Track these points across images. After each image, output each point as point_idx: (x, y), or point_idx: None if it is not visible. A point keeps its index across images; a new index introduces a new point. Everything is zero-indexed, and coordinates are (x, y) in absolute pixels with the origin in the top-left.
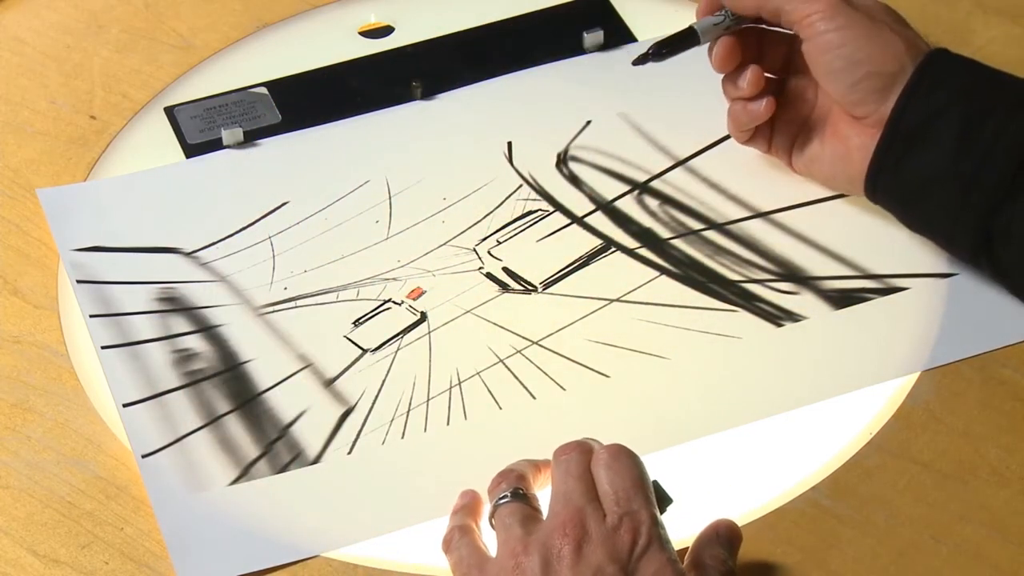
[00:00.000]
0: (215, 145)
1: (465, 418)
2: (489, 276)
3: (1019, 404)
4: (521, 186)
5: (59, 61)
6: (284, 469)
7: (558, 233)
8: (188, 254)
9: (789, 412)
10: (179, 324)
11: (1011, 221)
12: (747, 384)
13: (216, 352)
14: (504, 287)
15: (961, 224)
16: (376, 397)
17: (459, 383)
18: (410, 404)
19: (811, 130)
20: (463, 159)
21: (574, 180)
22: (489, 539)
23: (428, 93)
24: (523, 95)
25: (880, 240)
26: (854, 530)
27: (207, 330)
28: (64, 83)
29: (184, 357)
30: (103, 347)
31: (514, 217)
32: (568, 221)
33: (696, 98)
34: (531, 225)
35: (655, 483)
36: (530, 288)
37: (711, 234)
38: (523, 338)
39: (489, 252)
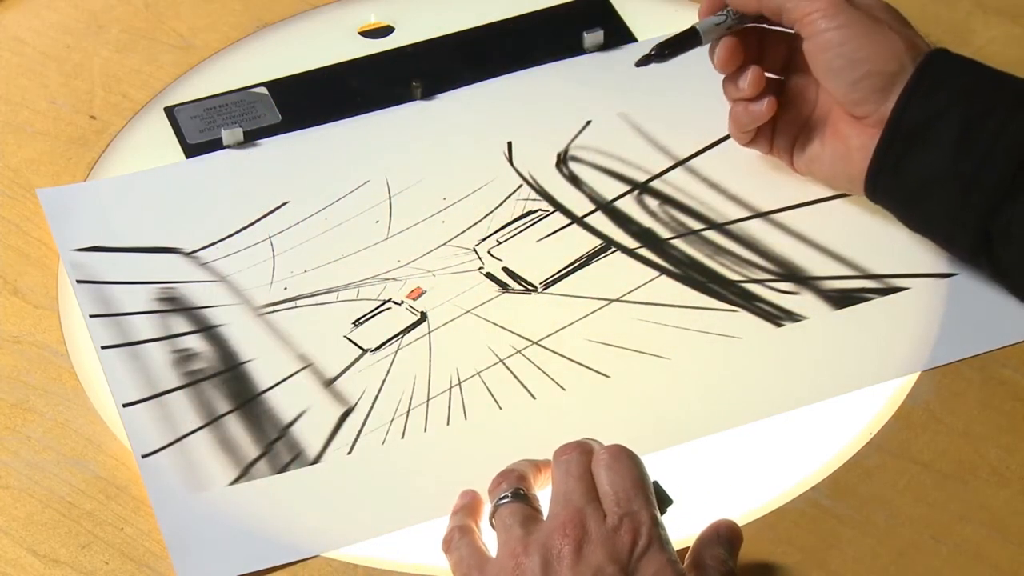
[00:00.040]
0: (215, 145)
1: (465, 418)
2: (489, 276)
3: (1019, 404)
4: (521, 186)
5: (59, 61)
6: (284, 469)
7: (558, 233)
8: (188, 254)
9: (789, 412)
10: (179, 324)
11: (1011, 221)
12: (747, 384)
13: (216, 352)
14: (504, 287)
15: (961, 224)
16: (376, 397)
17: (459, 383)
18: (410, 404)
19: (812, 130)
20: (463, 159)
21: (574, 180)
22: (489, 539)
23: (428, 93)
24: (523, 95)
25: (880, 240)
26: (854, 530)
27: (207, 330)
28: (64, 83)
29: (184, 357)
30: (103, 347)
31: (514, 217)
32: (568, 221)
33: (696, 98)
34: (531, 225)
35: (655, 484)
36: (530, 288)
37: (711, 234)
38: (523, 338)
39: (489, 252)
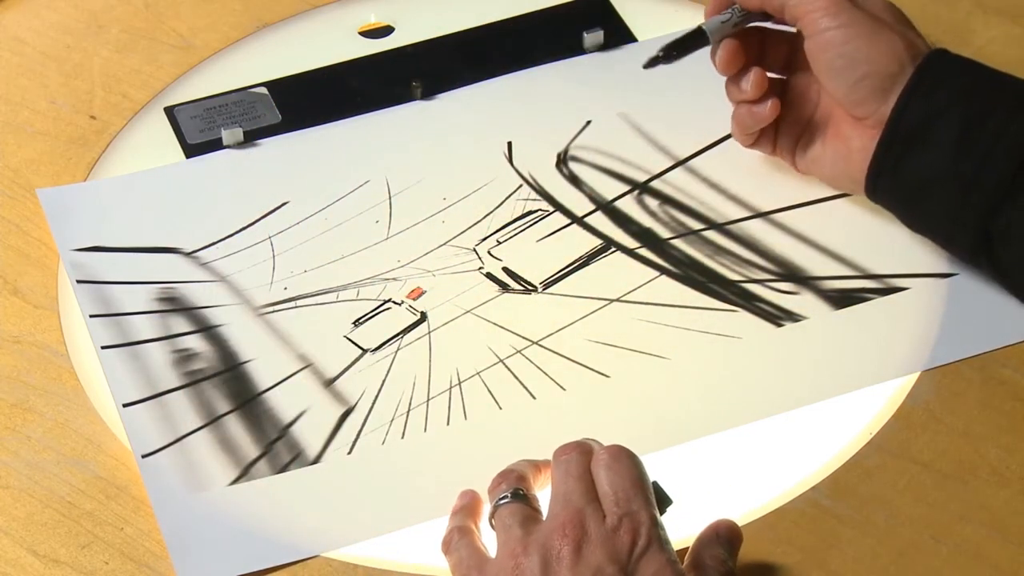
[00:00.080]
0: (215, 145)
1: (465, 418)
2: (489, 276)
3: (1019, 404)
4: (521, 186)
5: (59, 61)
6: (284, 469)
7: (558, 233)
8: (188, 254)
9: (789, 412)
10: (179, 324)
11: (1011, 222)
12: (747, 384)
13: (216, 352)
14: (504, 287)
15: (961, 224)
16: (376, 397)
17: (459, 383)
18: (410, 404)
19: (814, 131)
20: (463, 159)
21: (574, 180)
22: (489, 540)
23: (428, 93)
24: (523, 95)
25: (880, 240)
26: (854, 530)
27: (207, 330)
28: (64, 83)
29: (184, 357)
30: (103, 347)
31: (514, 217)
32: (568, 221)
33: (696, 98)
34: (531, 225)
35: (655, 484)
36: (530, 288)
37: (711, 234)
38: (523, 338)
39: (489, 252)
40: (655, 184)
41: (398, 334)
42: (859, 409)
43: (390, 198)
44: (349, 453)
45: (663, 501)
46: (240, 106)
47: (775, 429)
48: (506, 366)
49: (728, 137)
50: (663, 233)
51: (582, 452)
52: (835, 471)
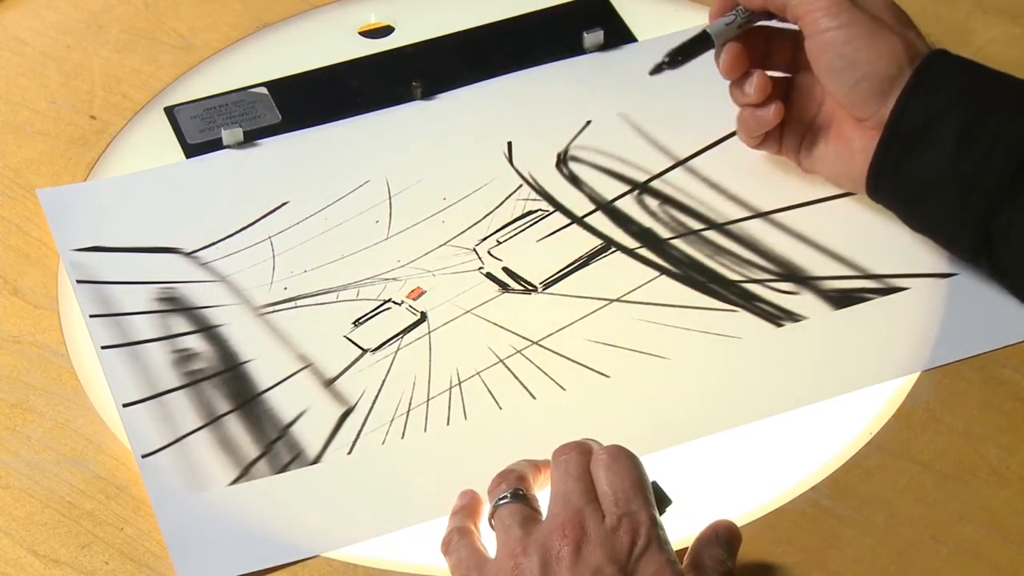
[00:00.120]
0: (215, 145)
1: (465, 418)
2: (489, 276)
3: (1019, 404)
4: (521, 186)
5: (59, 61)
6: (284, 469)
7: (558, 233)
8: (188, 254)
9: (789, 412)
10: (179, 324)
11: (1011, 222)
12: (747, 384)
13: (216, 352)
14: (504, 287)
15: (961, 225)
16: (376, 397)
17: (459, 383)
18: (410, 404)
19: (817, 131)
20: (463, 159)
21: (574, 180)
22: (488, 540)
23: (428, 93)
24: (523, 95)
25: (880, 240)
26: (854, 530)
27: (207, 330)
28: (64, 83)
29: (184, 357)
30: (103, 347)
31: (514, 217)
32: (568, 221)
33: (696, 98)
34: (531, 225)
35: (654, 484)
36: (530, 288)
37: (711, 234)
38: (523, 338)
39: (489, 252)
40: (655, 184)
41: (398, 334)
42: (859, 409)
43: (390, 198)
44: (349, 453)
45: (663, 501)
46: (240, 106)
47: (775, 429)
48: (506, 366)
49: (728, 137)
50: (663, 233)
51: (581, 452)
52: (835, 471)
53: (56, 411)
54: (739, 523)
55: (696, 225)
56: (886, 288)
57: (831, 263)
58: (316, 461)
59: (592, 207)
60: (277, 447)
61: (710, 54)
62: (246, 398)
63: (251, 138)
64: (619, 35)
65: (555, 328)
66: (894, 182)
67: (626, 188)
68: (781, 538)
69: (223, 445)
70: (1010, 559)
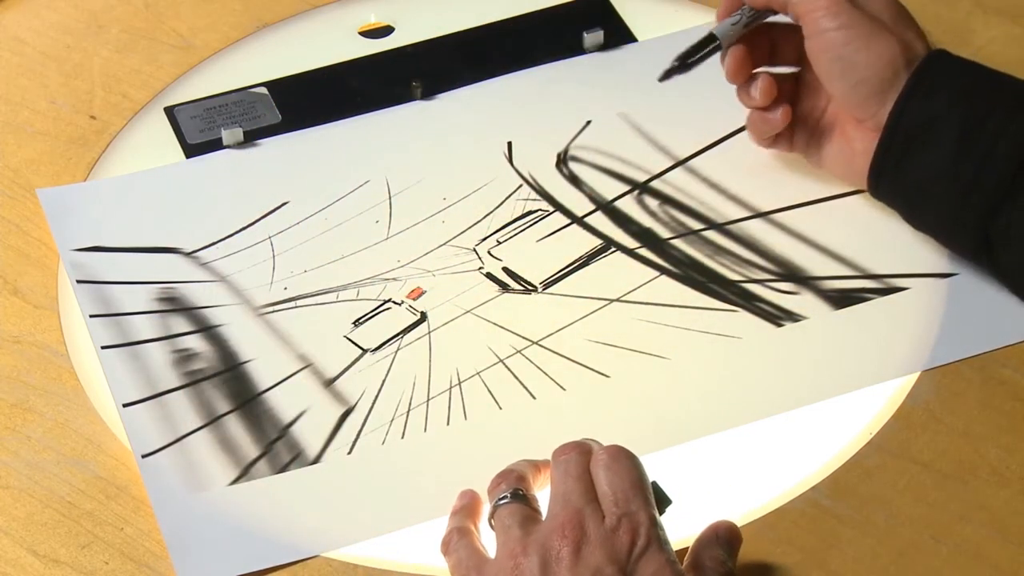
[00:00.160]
0: (215, 145)
1: (465, 418)
2: (489, 276)
3: (1019, 404)
4: (521, 186)
5: (59, 61)
6: (284, 469)
7: (558, 233)
8: (188, 254)
9: (789, 412)
10: (179, 324)
11: (1011, 222)
12: (747, 384)
13: (216, 352)
14: (504, 287)
15: (961, 225)
16: (376, 397)
17: (459, 383)
18: (410, 404)
19: (824, 130)
20: (463, 159)
21: (574, 180)
22: (488, 540)
23: (428, 93)
24: (523, 95)
25: (880, 240)
26: (854, 530)
27: (207, 330)
28: (64, 83)
29: (184, 357)
30: (103, 347)
31: (514, 217)
32: (568, 221)
33: (696, 98)
34: (531, 225)
35: (654, 484)
36: (530, 288)
37: (711, 234)
38: (523, 338)
39: (489, 252)
40: (655, 184)
41: (398, 334)
42: (859, 409)
43: (390, 198)
44: (349, 453)
45: (662, 501)
46: (240, 106)
47: (775, 429)
48: (506, 366)
49: (728, 137)
50: (663, 233)
51: (581, 452)
52: (835, 471)
53: (56, 411)
54: (739, 523)
55: (696, 225)
56: (886, 288)
57: (831, 263)
58: (316, 461)
59: (592, 207)
60: (277, 447)
61: (714, 56)
62: (246, 398)
63: (251, 138)
64: (619, 35)
65: (555, 328)
66: (894, 183)
67: (626, 188)
68: (781, 538)
69: (223, 445)
70: (1010, 559)
